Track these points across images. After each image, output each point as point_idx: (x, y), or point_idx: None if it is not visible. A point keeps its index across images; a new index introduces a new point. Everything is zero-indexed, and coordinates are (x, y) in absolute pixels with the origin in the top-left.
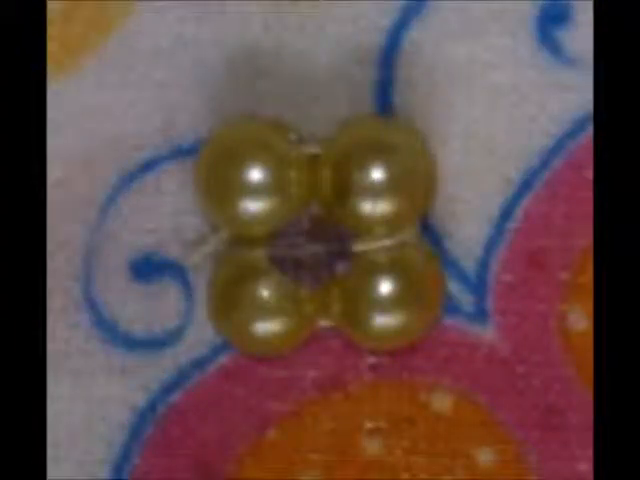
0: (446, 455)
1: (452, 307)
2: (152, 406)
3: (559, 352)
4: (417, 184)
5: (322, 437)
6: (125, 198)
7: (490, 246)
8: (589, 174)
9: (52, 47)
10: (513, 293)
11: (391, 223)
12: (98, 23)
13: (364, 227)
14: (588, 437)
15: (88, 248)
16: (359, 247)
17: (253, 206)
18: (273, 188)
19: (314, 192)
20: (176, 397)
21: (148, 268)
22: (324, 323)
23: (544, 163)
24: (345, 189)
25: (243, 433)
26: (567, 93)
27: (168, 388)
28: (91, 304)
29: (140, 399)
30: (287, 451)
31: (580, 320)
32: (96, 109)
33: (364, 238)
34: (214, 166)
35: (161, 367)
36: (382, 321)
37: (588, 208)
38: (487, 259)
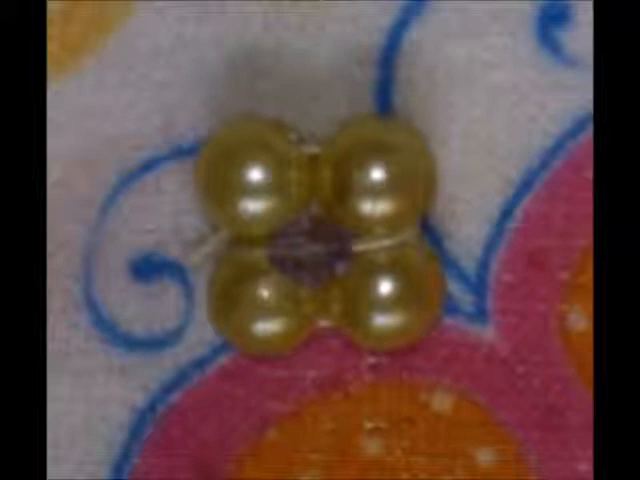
0: (446, 455)
1: (452, 307)
2: (152, 406)
3: (559, 352)
4: (417, 184)
5: (322, 437)
6: (125, 198)
7: (490, 246)
8: (589, 174)
9: (52, 47)
10: (513, 293)
11: (391, 223)
12: (98, 23)
13: (364, 227)
14: (588, 437)
15: (88, 248)
16: (359, 247)
17: (253, 206)
18: (273, 188)
19: (314, 192)
20: (176, 397)
21: (148, 268)
22: (324, 323)
23: (544, 163)
24: (345, 189)
25: (243, 433)
26: (567, 93)
27: (168, 388)
28: (91, 304)
29: (140, 399)
30: (287, 451)
31: (580, 320)
32: (96, 109)
33: (364, 238)
34: (214, 166)
35: (161, 367)
36: (382, 321)
37: (588, 208)
38: (487, 259)
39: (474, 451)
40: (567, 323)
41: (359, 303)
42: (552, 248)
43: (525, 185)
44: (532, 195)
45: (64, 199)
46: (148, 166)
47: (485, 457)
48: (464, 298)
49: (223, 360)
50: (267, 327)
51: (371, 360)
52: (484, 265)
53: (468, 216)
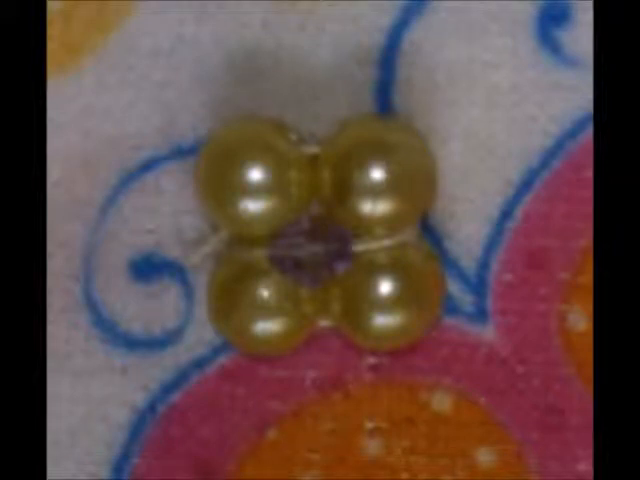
0: (446, 455)
1: (452, 307)
2: (152, 406)
3: (559, 352)
4: (417, 184)
5: (322, 437)
6: (125, 198)
7: (490, 246)
8: (589, 174)
9: (52, 47)
10: (513, 293)
11: (391, 223)
12: (98, 23)
13: (364, 227)
14: (588, 437)
15: (88, 248)
16: (359, 247)
17: (253, 206)
18: (273, 188)
19: (314, 192)
20: (176, 397)
21: (148, 268)
22: (324, 323)
23: (544, 163)
24: (345, 189)
25: (243, 433)
26: (567, 93)
27: (168, 388)
28: (91, 304)
29: (140, 399)
30: (287, 451)
31: (580, 320)
32: (96, 109)
33: (364, 238)
34: (214, 166)
35: (161, 367)
36: (382, 321)
37: (588, 208)
38: (487, 259)
39: (474, 451)
40: (567, 323)
41: (359, 303)
42: (552, 248)
43: (525, 185)
44: (532, 195)
45: (64, 199)
46: (148, 166)
47: (485, 457)
48: (464, 298)
49: (223, 360)
50: (267, 327)
51: (371, 360)
52: (484, 265)
53: (468, 216)
